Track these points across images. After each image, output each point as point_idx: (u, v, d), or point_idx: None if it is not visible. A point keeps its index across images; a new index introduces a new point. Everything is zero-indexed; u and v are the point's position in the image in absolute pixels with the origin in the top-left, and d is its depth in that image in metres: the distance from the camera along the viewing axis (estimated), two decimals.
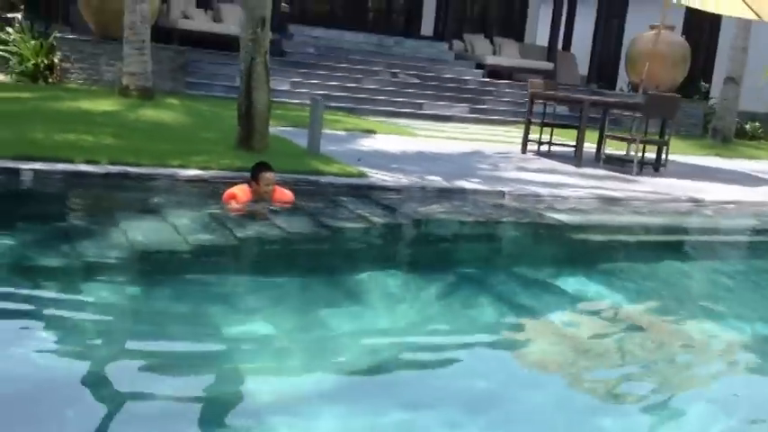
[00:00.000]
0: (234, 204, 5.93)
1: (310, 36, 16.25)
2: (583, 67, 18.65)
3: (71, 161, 6.58)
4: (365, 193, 7.06)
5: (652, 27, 17.12)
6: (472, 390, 3.51)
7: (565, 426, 3.28)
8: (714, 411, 3.51)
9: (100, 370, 3.30)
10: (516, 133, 12.50)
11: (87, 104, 10.35)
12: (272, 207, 5.93)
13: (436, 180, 7.84)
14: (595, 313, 4.87)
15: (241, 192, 5.99)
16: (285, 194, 6.17)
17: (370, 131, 11.34)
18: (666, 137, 10.55)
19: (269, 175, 5.96)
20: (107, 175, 6.50)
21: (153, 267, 4.70)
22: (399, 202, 6.64)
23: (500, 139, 12.36)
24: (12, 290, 4.09)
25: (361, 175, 7.62)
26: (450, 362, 3.91)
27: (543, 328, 4.51)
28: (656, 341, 4.49)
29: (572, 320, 4.65)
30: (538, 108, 11.63)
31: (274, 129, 8.89)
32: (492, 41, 18.04)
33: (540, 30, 19.75)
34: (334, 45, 16.18)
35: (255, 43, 7.80)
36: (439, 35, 17.81)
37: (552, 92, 11.23)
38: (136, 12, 11.47)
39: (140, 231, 5.16)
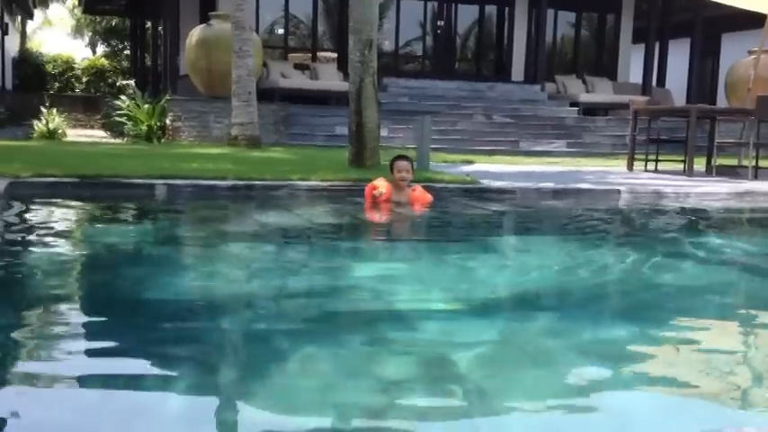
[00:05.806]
0: (373, 200, 6.12)
1: (404, 87, 16.69)
2: (680, 103, 18.41)
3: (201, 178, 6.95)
4: (481, 196, 7.14)
5: (751, 52, 16.85)
6: None
7: None
8: None
9: (253, 293, 3.74)
10: (618, 162, 12.36)
11: (201, 150, 10.90)
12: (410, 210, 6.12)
13: (549, 185, 7.85)
14: None
15: (381, 183, 6.18)
16: (424, 196, 6.33)
17: (471, 162, 11.44)
18: None
19: (402, 163, 6.21)
20: (234, 188, 6.81)
21: (283, 236, 5.21)
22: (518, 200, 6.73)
23: (603, 165, 12.24)
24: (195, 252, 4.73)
25: (474, 182, 7.71)
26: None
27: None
28: None
29: None
30: (641, 134, 11.46)
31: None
32: (584, 81, 18.09)
33: (633, 69, 19.68)
34: (428, 93, 16.55)
35: (364, 65, 8.12)
36: (530, 79, 17.97)
37: (656, 106, 11.14)
38: (242, 66, 12.11)
39: (272, 218, 5.44)
